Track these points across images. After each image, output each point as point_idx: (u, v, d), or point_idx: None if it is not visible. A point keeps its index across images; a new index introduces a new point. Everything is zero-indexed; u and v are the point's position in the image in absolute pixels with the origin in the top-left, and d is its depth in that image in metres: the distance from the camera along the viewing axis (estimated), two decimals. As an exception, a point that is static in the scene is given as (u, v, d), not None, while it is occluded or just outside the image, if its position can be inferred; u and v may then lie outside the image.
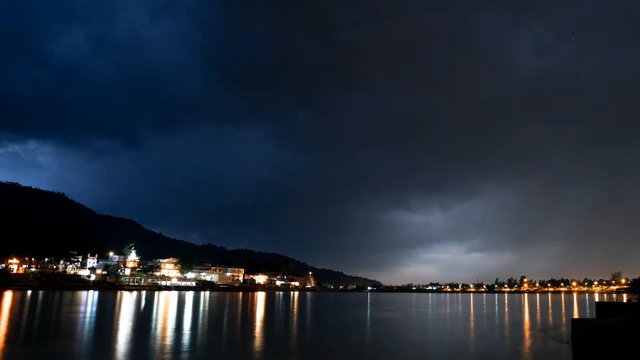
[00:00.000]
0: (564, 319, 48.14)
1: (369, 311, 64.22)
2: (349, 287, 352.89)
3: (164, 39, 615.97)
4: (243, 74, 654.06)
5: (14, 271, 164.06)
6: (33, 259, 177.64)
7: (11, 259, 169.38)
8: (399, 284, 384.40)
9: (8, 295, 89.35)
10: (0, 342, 24.69)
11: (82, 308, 55.00)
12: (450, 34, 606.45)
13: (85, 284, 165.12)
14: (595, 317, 30.41)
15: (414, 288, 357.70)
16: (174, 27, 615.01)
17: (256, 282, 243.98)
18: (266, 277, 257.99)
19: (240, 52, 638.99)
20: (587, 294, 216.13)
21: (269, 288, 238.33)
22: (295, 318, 47.24)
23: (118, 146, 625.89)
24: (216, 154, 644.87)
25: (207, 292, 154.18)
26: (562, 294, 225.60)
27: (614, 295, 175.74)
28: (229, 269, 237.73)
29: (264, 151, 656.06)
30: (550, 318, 50.42)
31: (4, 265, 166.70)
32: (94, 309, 54.97)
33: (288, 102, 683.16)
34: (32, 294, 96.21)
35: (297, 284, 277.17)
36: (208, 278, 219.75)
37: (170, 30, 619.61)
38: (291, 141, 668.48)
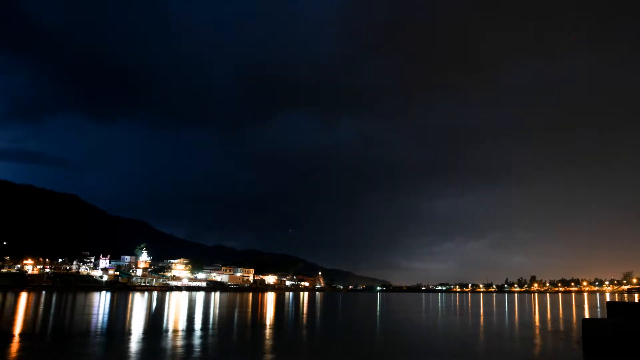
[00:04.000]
0: (574, 319, 47.83)
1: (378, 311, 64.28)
2: (358, 287, 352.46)
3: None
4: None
5: (29, 272, 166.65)
6: (47, 259, 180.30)
7: (26, 259, 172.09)
8: (408, 284, 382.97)
9: (24, 296, 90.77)
10: (15, 348, 25.30)
11: (95, 310, 55.93)
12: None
13: (98, 285, 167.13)
14: (606, 317, 30.25)
15: (423, 288, 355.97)
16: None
17: (266, 283, 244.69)
18: (276, 277, 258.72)
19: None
20: (598, 294, 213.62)
21: (278, 288, 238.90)
22: (304, 319, 47.57)
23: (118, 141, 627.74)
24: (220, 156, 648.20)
25: (218, 293, 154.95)
26: (573, 294, 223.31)
27: (625, 295, 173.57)
28: (239, 269, 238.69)
29: (268, 152, 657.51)
30: (561, 318, 50.17)
31: (19, 266, 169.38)
32: (107, 311, 55.84)
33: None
34: (46, 295, 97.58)
35: (306, 284, 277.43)
36: (218, 278, 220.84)
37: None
38: (296, 140, 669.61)
